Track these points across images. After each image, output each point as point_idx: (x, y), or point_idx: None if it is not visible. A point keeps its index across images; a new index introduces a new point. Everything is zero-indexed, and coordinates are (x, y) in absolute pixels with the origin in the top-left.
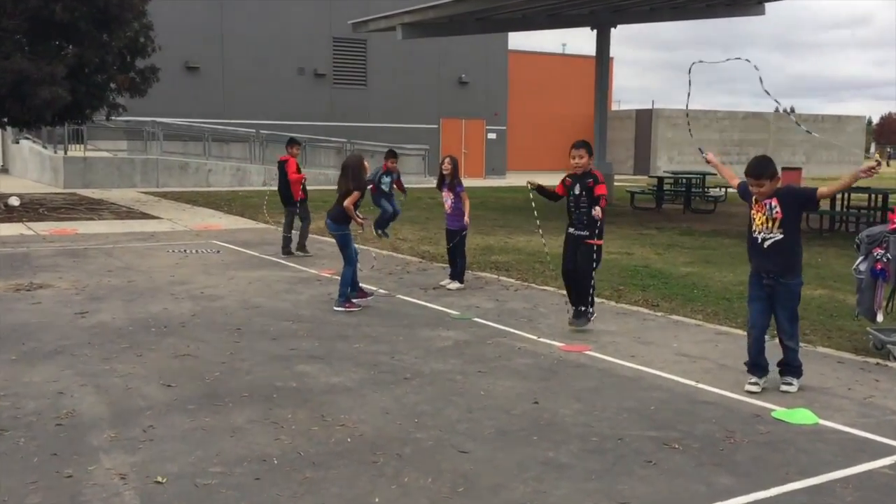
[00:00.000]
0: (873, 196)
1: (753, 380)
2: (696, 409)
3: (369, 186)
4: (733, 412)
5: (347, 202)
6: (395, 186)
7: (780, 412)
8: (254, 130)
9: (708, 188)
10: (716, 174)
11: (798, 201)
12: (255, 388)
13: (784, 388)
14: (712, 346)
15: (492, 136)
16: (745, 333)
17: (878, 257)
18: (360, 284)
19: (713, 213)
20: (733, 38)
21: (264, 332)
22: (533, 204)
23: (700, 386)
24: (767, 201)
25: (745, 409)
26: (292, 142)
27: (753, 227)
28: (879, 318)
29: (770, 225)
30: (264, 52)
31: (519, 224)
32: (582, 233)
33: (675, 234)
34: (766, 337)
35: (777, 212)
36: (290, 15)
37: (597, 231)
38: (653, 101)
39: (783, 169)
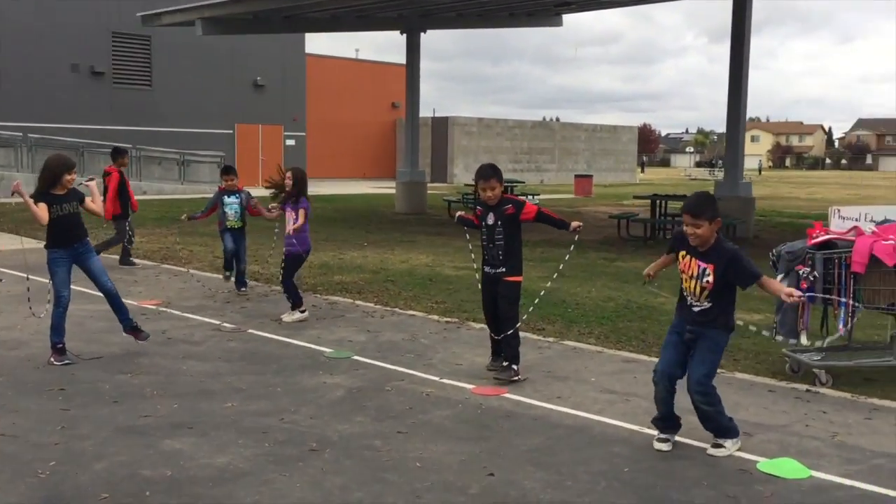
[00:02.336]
0: None
1: (663, 436)
2: (674, 467)
3: (203, 214)
4: (715, 468)
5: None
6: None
7: (765, 464)
8: (20, 134)
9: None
10: (524, 182)
11: (735, 281)
12: (116, 483)
13: (711, 451)
14: (630, 377)
15: (290, 142)
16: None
17: (804, 276)
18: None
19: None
20: (502, 51)
21: (98, 392)
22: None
23: (654, 433)
24: (700, 264)
25: (724, 463)
26: (117, 152)
27: (683, 287)
28: (804, 340)
29: (698, 293)
30: (32, 45)
31: (345, 237)
32: (498, 270)
33: None
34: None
35: (708, 281)
36: (61, 4)
37: (517, 264)
38: (434, 110)
39: (577, 176)
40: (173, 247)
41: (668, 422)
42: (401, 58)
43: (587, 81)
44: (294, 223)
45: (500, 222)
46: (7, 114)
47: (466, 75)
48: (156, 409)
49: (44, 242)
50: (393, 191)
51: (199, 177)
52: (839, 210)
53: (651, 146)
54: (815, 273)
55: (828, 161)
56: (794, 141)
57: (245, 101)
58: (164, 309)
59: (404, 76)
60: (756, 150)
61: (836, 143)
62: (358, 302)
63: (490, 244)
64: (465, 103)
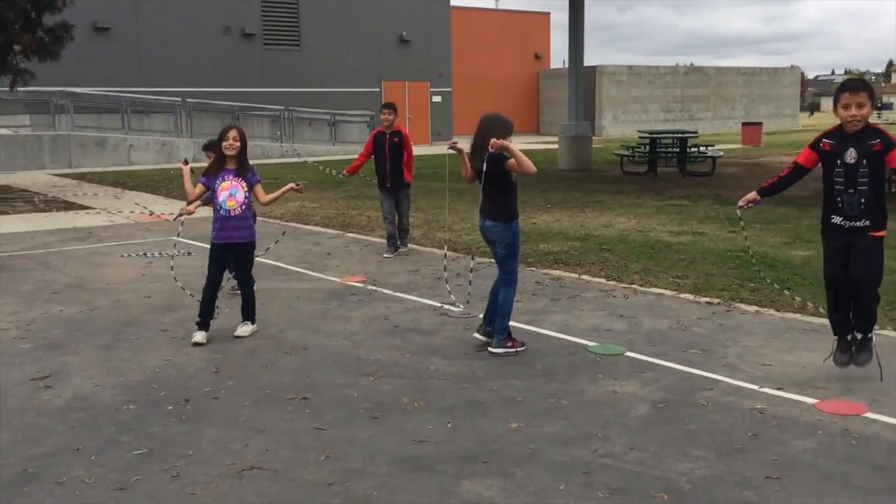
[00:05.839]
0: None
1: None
2: None
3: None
4: None
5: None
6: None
7: None
8: (179, 99)
9: (699, 147)
10: (696, 132)
11: None
12: None
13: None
14: None
15: (437, 98)
16: None
17: None
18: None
19: (712, 176)
20: None
21: (349, 403)
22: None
23: None
24: None
25: None
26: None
27: None
28: None
29: None
30: (184, 8)
31: (521, 198)
32: (858, 223)
33: (713, 205)
34: None
35: None
36: None
37: (883, 215)
38: (563, 61)
39: (744, 124)
40: (348, 212)
41: None
42: (541, 6)
43: (719, 24)
44: (244, 199)
45: (864, 161)
46: (163, 79)
47: (588, 24)
48: (428, 431)
49: None
50: (542, 146)
51: (349, 137)
52: None
53: (802, 90)
54: None
55: None
56: None
57: (391, 57)
58: (372, 287)
59: (546, 25)
60: None
61: None
62: (585, 277)
63: (850, 188)
64: (590, 53)
